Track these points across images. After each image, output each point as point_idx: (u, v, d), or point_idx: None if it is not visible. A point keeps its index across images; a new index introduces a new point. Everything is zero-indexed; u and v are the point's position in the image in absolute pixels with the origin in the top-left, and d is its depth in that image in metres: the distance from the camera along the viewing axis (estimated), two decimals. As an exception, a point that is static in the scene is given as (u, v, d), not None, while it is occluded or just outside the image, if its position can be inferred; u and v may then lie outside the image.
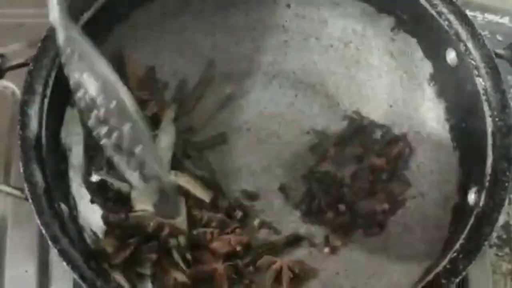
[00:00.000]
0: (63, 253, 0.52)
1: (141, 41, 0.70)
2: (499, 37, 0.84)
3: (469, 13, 0.62)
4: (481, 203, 0.55)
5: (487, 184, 0.56)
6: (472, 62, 0.60)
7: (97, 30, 0.62)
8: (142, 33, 0.69)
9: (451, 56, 0.63)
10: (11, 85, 0.71)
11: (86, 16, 0.61)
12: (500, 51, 0.61)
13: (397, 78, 0.71)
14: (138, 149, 0.55)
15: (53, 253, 0.56)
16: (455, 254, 0.54)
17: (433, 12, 0.62)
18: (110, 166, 0.62)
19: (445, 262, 0.54)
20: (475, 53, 0.60)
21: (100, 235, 0.60)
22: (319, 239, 0.66)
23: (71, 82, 0.54)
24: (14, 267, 0.64)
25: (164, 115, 0.68)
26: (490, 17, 0.88)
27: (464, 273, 0.53)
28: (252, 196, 0.69)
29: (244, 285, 0.63)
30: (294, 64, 0.74)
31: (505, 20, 0.88)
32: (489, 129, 0.58)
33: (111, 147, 0.55)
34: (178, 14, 0.71)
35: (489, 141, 0.57)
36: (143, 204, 0.62)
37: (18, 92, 0.70)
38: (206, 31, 0.73)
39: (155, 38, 0.71)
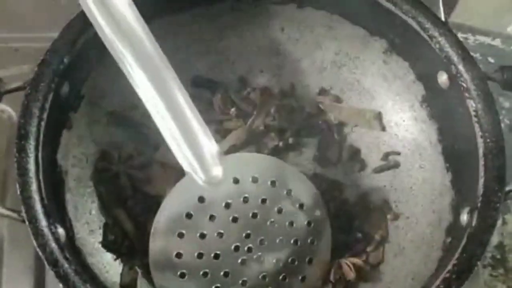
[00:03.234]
0: (60, 275, 0.52)
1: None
2: (491, 59, 0.84)
3: (460, 35, 0.63)
4: (473, 224, 0.56)
5: (479, 204, 0.56)
6: (463, 84, 0.60)
7: (90, 54, 0.63)
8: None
9: (442, 78, 0.63)
10: (8, 109, 0.72)
11: (83, 38, 0.62)
12: (491, 74, 0.61)
13: (390, 101, 0.71)
14: None
15: (50, 275, 0.56)
16: (447, 274, 0.54)
17: (424, 35, 0.63)
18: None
19: (438, 282, 0.54)
20: (466, 76, 0.60)
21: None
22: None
23: None
24: (11, 289, 0.64)
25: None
26: (481, 39, 0.89)
27: (457, 294, 0.54)
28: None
29: None
30: (288, 87, 0.75)
31: (497, 42, 0.89)
32: (481, 151, 0.58)
33: None
34: (172, 36, 0.71)
35: (481, 162, 0.58)
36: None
37: (14, 115, 0.71)
38: (200, 53, 0.73)
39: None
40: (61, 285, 0.52)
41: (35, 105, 0.57)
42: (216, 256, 0.59)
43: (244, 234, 0.60)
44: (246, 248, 0.60)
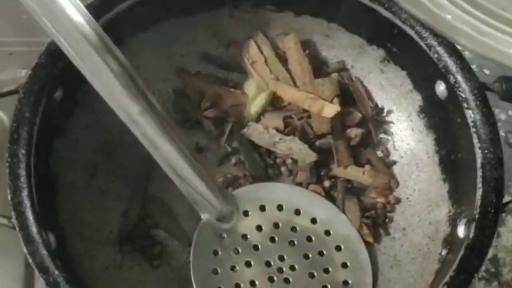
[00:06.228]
0: (50, 283, 0.52)
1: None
2: (486, 71, 0.84)
3: (457, 46, 0.63)
4: (471, 235, 0.55)
5: (476, 216, 0.56)
6: (462, 94, 0.60)
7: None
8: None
9: (440, 88, 0.63)
10: (0, 113, 0.71)
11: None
12: (490, 84, 0.61)
13: (386, 110, 0.71)
14: None
15: (40, 283, 0.55)
16: (444, 286, 0.54)
17: (422, 44, 0.62)
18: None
19: (435, 295, 0.54)
20: (464, 86, 0.60)
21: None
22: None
23: None
24: (0, 297, 0.64)
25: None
26: (478, 51, 0.89)
27: (453, 307, 0.53)
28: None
29: None
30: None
31: (493, 54, 0.89)
32: (479, 162, 0.57)
33: None
34: (168, 43, 0.71)
35: (479, 173, 0.57)
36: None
37: (6, 120, 0.70)
38: (196, 59, 0.72)
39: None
40: (51, 293, 0.52)
41: (28, 109, 0.57)
42: (253, 283, 0.61)
43: (265, 262, 0.62)
44: (276, 269, 0.62)
